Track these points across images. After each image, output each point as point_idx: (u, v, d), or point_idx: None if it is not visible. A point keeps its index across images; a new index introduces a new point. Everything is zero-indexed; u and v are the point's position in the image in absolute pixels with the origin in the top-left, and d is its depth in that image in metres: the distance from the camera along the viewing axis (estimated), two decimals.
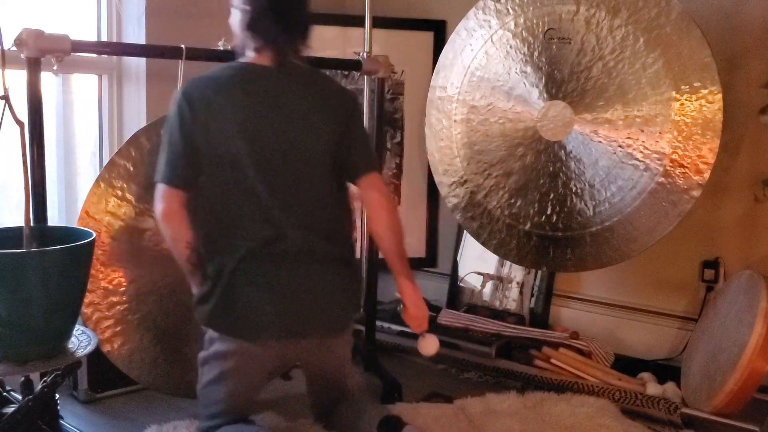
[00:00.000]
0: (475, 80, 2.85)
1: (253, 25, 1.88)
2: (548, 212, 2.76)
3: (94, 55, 2.80)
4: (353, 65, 2.81)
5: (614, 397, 2.59)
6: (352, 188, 2.04)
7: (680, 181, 2.50)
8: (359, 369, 2.82)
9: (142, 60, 2.76)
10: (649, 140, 2.54)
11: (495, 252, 2.97)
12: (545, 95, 2.70)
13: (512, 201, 2.82)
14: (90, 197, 2.24)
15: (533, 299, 3.18)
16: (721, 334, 2.54)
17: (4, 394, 2.17)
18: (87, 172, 2.84)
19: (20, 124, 1.86)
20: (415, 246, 3.54)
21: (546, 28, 2.69)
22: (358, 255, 2.82)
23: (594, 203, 2.66)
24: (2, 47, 1.79)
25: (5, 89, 1.80)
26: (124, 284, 2.30)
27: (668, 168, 2.51)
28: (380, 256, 2.16)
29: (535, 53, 2.72)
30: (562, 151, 2.71)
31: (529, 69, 2.73)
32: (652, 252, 2.73)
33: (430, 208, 3.53)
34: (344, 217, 2.01)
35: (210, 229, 1.88)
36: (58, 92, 2.74)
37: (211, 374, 1.93)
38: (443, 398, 2.66)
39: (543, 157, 2.74)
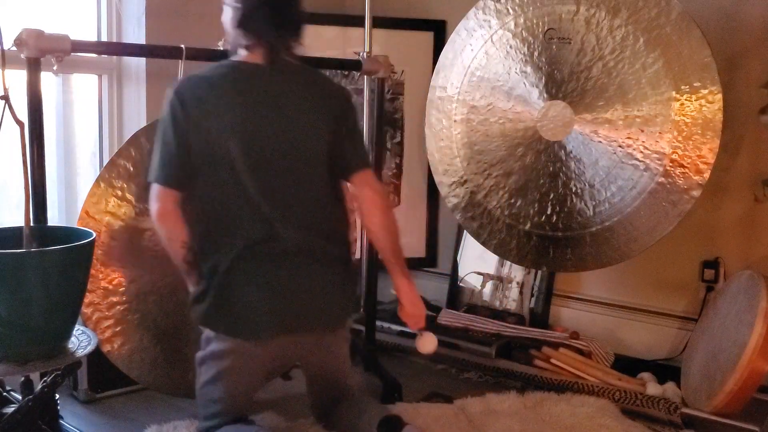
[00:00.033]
0: (475, 80, 2.85)
1: (244, 22, 1.88)
2: (548, 212, 2.76)
3: (94, 55, 2.80)
4: (353, 65, 2.81)
5: (614, 397, 2.59)
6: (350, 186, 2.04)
7: (680, 181, 2.50)
8: (359, 369, 2.82)
9: (142, 60, 2.76)
10: (649, 140, 2.54)
11: (495, 252, 2.97)
12: (545, 95, 2.70)
13: (512, 201, 2.82)
14: (90, 197, 2.24)
15: (533, 299, 3.18)
16: (721, 334, 2.54)
17: (4, 394, 2.17)
18: (87, 172, 2.84)
19: (20, 124, 1.86)
20: (415, 246, 3.54)
21: (546, 28, 2.69)
22: (357, 255, 2.83)
23: (594, 203, 2.66)
24: (2, 47, 1.79)
25: (5, 89, 1.80)
26: (124, 284, 2.30)
27: (668, 168, 2.51)
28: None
29: (535, 53, 2.72)
30: (562, 151, 2.71)
31: (529, 69, 2.73)
32: (652, 252, 2.73)
33: (430, 208, 3.54)
34: (340, 214, 2.00)
35: (204, 228, 1.88)
36: (58, 92, 2.74)
37: (208, 374, 1.93)
38: (443, 398, 2.66)
39: (543, 157, 2.74)
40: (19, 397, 2.10)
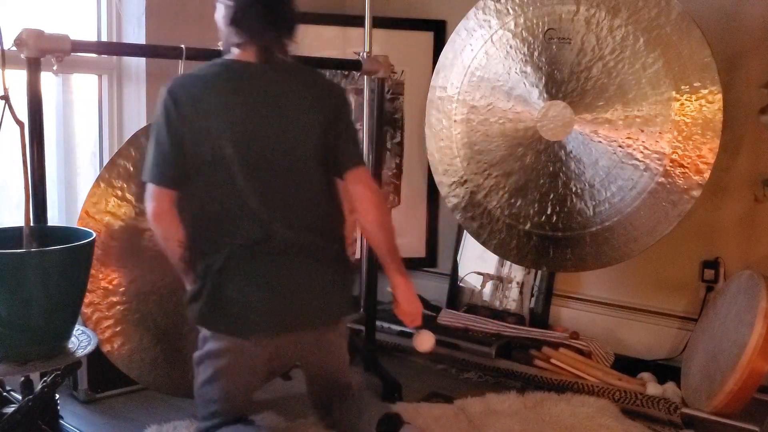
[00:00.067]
0: (475, 80, 2.85)
1: (237, 20, 1.87)
2: (548, 212, 2.76)
3: (94, 55, 2.80)
4: (353, 65, 2.81)
5: (614, 397, 2.59)
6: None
7: (680, 181, 2.50)
8: (359, 369, 2.83)
9: (142, 60, 2.76)
10: (649, 140, 2.54)
11: (495, 252, 2.97)
12: (545, 95, 2.70)
13: (512, 201, 2.82)
14: (90, 197, 2.23)
15: (533, 299, 3.18)
16: (721, 334, 2.54)
17: (4, 394, 2.17)
18: (87, 172, 2.84)
19: (20, 124, 1.86)
20: (415, 246, 3.54)
21: (546, 28, 2.69)
22: (357, 255, 2.83)
23: (594, 203, 2.66)
24: (2, 47, 1.79)
25: (5, 89, 1.80)
26: (124, 284, 2.29)
27: (668, 168, 2.51)
28: None
29: (535, 53, 2.72)
30: (562, 151, 2.71)
31: (529, 69, 2.73)
32: (652, 252, 2.73)
33: (430, 208, 3.54)
34: (335, 211, 2.00)
35: (198, 227, 1.88)
36: (58, 92, 2.74)
37: (206, 374, 1.93)
38: (443, 398, 2.66)
39: (543, 157, 2.74)
40: (19, 397, 2.10)
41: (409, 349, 3.09)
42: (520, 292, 3.21)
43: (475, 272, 3.34)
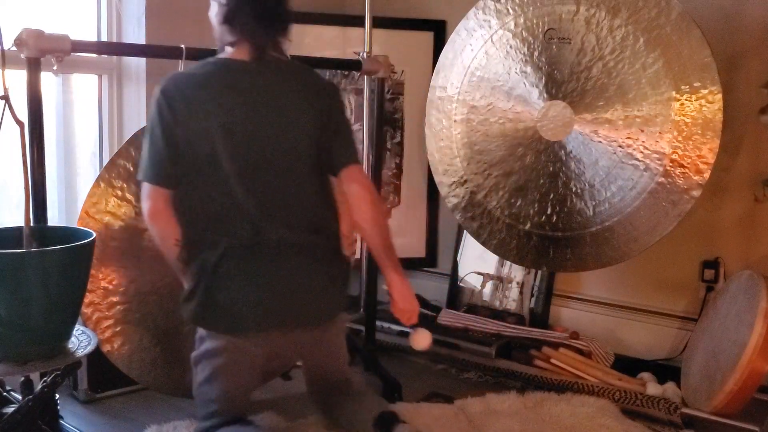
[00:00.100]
0: (475, 80, 2.85)
1: (230, 18, 1.86)
2: (548, 212, 2.76)
3: (94, 55, 2.80)
4: (353, 65, 2.81)
5: (614, 397, 2.59)
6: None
7: (680, 181, 2.50)
8: (359, 369, 2.83)
9: (142, 60, 2.76)
10: (649, 140, 2.54)
11: (495, 252, 2.97)
12: (545, 95, 2.70)
13: (512, 201, 2.82)
14: (90, 197, 2.24)
15: (533, 299, 3.18)
16: (721, 334, 2.54)
17: (4, 394, 2.17)
18: (87, 172, 2.84)
19: (20, 124, 1.86)
20: (415, 246, 3.54)
21: (546, 28, 2.69)
22: (357, 255, 2.83)
23: (594, 203, 2.66)
24: (2, 47, 1.79)
25: (5, 89, 1.80)
26: (124, 284, 2.29)
27: (668, 168, 2.51)
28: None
29: (535, 53, 2.72)
30: (562, 151, 2.71)
31: (529, 69, 2.73)
32: (652, 252, 2.73)
33: (430, 208, 3.54)
34: (328, 208, 1.99)
35: (193, 225, 1.88)
36: (58, 92, 2.74)
37: (204, 373, 1.93)
38: (443, 398, 2.66)
39: (543, 157, 2.74)
40: (19, 397, 2.10)
41: (409, 349, 3.09)
42: (520, 292, 3.21)
43: (475, 272, 3.34)
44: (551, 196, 2.74)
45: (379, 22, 2.95)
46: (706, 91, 2.45)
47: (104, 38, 2.80)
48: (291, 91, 1.92)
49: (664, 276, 2.98)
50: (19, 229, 1.88)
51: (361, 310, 3.00)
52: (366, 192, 1.95)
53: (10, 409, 2.02)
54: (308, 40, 3.31)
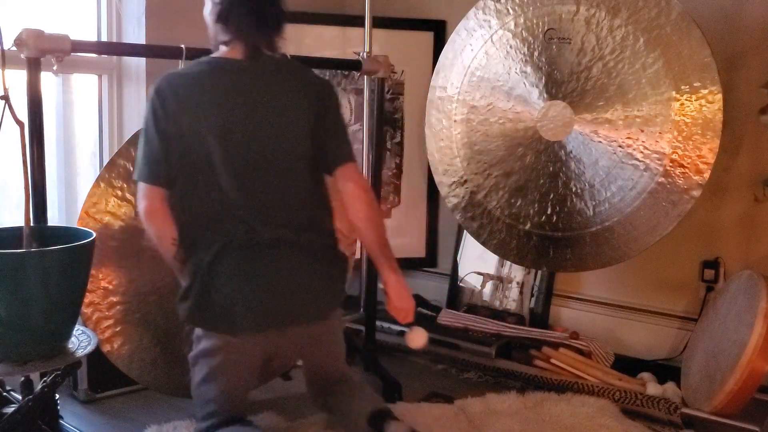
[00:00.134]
0: (475, 80, 2.85)
1: (224, 16, 1.86)
2: (548, 212, 2.76)
3: (94, 55, 2.80)
4: (353, 65, 2.81)
5: (614, 397, 2.59)
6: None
7: (680, 181, 2.50)
8: (359, 369, 2.83)
9: (142, 60, 2.76)
10: (649, 140, 2.54)
11: (495, 252, 2.97)
12: (545, 95, 2.70)
13: (512, 201, 2.82)
14: (90, 197, 2.24)
15: (533, 299, 3.18)
16: (721, 334, 2.54)
17: (4, 394, 2.17)
18: (87, 172, 2.84)
19: (20, 124, 1.86)
20: (415, 246, 3.54)
21: (546, 28, 2.69)
22: (357, 255, 2.83)
23: (594, 203, 2.66)
24: (2, 47, 1.79)
25: (5, 89, 1.80)
26: (124, 284, 2.29)
27: (668, 168, 2.51)
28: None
29: (535, 53, 2.72)
30: (562, 151, 2.71)
31: (529, 69, 2.73)
32: (652, 252, 2.73)
33: (430, 208, 3.54)
34: (322, 206, 1.99)
35: (188, 224, 1.88)
36: (58, 92, 2.74)
37: (201, 373, 1.93)
38: (443, 398, 2.66)
39: (543, 157, 2.74)
40: (19, 397, 2.10)
41: (408, 349, 3.09)
42: (520, 292, 3.21)
43: (475, 272, 3.34)
44: (551, 196, 2.74)
45: (379, 22, 2.95)
46: (706, 91, 2.45)
47: (104, 38, 2.80)
48: (285, 90, 1.92)
49: (664, 276, 2.98)
50: (19, 229, 1.88)
51: (361, 310, 3.00)
52: (361, 191, 1.95)
53: (10, 409, 2.02)
54: (308, 40, 3.31)
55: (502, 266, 3.26)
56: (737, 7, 2.73)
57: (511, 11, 2.76)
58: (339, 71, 3.30)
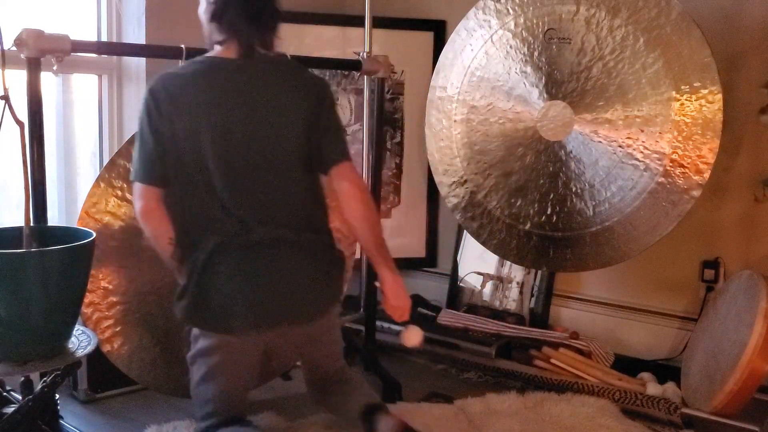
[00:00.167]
0: (475, 80, 2.85)
1: (218, 15, 1.86)
2: (548, 212, 2.76)
3: (94, 55, 2.80)
4: (353, 65, 2.81)
5: (614, 397, 2.59)
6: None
7: (680, 181, 2.50)
8: (359, 369, 2.83)
9: (142, 60, 2.76)
10: (649, 140, 2.54)
11: (495, 252, 2.97)
12: (545, 95, 2.70)
13: (512, 201, 2.82)
14: (90, 197, 2.24)
15: (533, 299, 3.18)
16: (721, 334, 2.54)
17: (4, 394, 2.17)
18: (87, 172, 2.84)
19: (20, 124, 1.86)
20: (415, 246, 3.54)
21: (546, 28, 2.69)
22: (357, 255, 2.83)
23: (594, 203, 2.66)
24: (2, 47, 1.79)
25: (5, 89, 1.80)
26: (124, 284, 2.29)
27: (668, 168, 2.51)
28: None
29: (535, 53, 2.72)
30: (562, 151, 2.71)
31: (529, 69, 2.73)
32: (652, 252, 2.73)
33: (430, 208, 3.54)
34: (318, 204, 1.98)
35: (184, 224, 1.88)
36: (58, 92, 2.74)
37: (199, 373, 1.93)
38: (443, 398, 2.66)
39: (543, 157, 2.74)
40: (19, 397, 2.10)
41: (409, 349, 3.09)
42: (520, 292, 3.21)
43: (475, 272, 3.34)
44: (551, 196, 2.74)
45: (379, 22, 2.95)
46: (706, 91, 2.45)
47: (104, 38, 2.80)
48: (279, 89, 1.91)
49: (664, 276, 2.98)
50: (19, 229, 1.88)
51: (361, 310, 3.00)
52: (356, 189, 1.94)
53: (10, 409, 2.02)
54: (308, 40, 3.31)
55: (502, 266, 3.26)
56: (737, 7, 2.73)
57: (511, 11, 2.76)
58: (339, 71, 3.30)
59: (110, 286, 2.27)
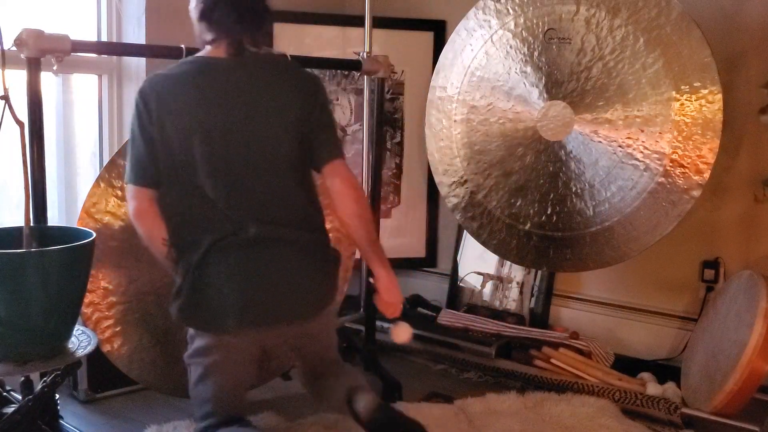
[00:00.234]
0: (475, 80, 2.85)
1: (207, 14, 1.85)
2: (548, 212, 2.76)
3: (94, 55, 2.80)
4: (353, 65, 2.81)
5: (614, 397, 2.59)
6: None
7: (680, 181, 2.50)
8: (359, 369, 2.83)
9: (142, 60, 2.76)
10: (649, 140, 2.54)
11: (495, 252, 2.97)
12: (545, 95, 2.70)
13: (512, 201, 2.82)
14: (90, 197, 2.24)
15: (533, 299, 3.18)
16: (721, 334, 2.54)
17: (4, 394, 2.17)
18: (87, 172, 2.84)
19: (20, 124, 1.86)
20: (415, 246, 3.54)
21: (546, 28, 2.69)
22: (357, 255, 2.83)
23: (594, 203, 2.66)
24: (2, 47, 1.79)
25: (5, 89, 1.80)
26: (124, 284, 2.29)
27: (668, 168, 2.51)
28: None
29: (535, 53, 2.72)
30: (562, 151, 2.71)
31: (529, 69, 2.73)
32: (652, 252, 2.73)
33: (430, 208, 3.53)
34: (311, 202, 1.98)
35: (178, 224, 1.88)
36: (58, 92, 2.74)
37: (197, 373, 1.93)
38: (443, 398, 2.66)
39: (543, 157, 2.74)
40: (19, 397, 2.10)
41: (409, 349, 3.09)
42: (520, 292, 3.21)
43: (475, 272, 3.34)
44: (551, 196, 2.74)
45: (379, 22, 2.95)
46: (706, 91, 2.45)
47: (104, 38, 2.80)
48: (271, 87, 1.90)
49: (664, 276, 2.98)
50: (19, 229, 1.88)
51: (361, 310, 2.99)
52: (349, 187, 1.93)
53: (10, 409, 2.02)
54: (308, 40, 3.31)
55: (502, 266, 3.26)
56: (737, 7, 2.73)
57: (511, 11, 2.76)
58: (339, 71, 3.30)
59: (110, 286, 2.27)
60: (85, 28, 2.78)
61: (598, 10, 2.59)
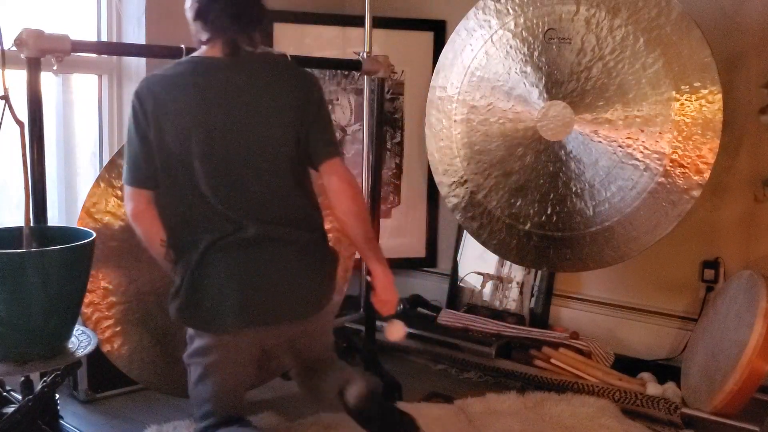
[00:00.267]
0: (475, 80, 2.85)
1: (202, 14, 1.84)
2: (548, 212, 2.76)
3: (94, 55, 2.80)
4: (353, 65, 2.81)
5: (614, 397, 2.59)
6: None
7: (680, 181, 2.50)
8: (359, 369, 2.83)
9: (142, 60, 2.76)
10: (649, 140, 2.54)
11: (495, 252, 2.97)
12: (545, 95, 2.70)
13: (512, 201, 2.82)
14: (90, 197, 2.24)
15: (533, 299, 3.18)
16: (721, 334, 2.54)
17: (4, 394, 2.17)
18: (87, 172, 2.84)
19: (20, 124, 1.86)
20: (415, 246, 3.54)
21: (546, 28, 2.69)
22: (357, 255, 2.83)
23: (594, 203, 2.66)
24: (2, 47, 1.79)
25: (5, 89, 1.80)
26: (124, 284, 2.29)
27: (668, 168, 2.51)
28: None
29: (535, 53, 2.72)
30: (562, 151, 2.71)
31: (529, 69, 2.73)
32: (652, 252, 2.73)
33: (430, 208, 3.53)
34: (309, 202, 1.97)
35: (175, 224, 1.88)
36: (58, 92, 2.74)
37: (196, 373, 1.93)
38: (443, 398, 2.66)
39: (543, 157, 2.74)
40: (19, 397, 2.10)
41: (409, 349, 3.09)
42: (520, 292, 3.21)
43: (475, 272, 3.34)
44: (551, 196, 2.74)
45: (379, 22, 2.95)
46: (706, 91, 2.45)
47: (104, 38, 2.80)
48: (266, 86, 1.89)
49: (664, 276, 2.98)
50: (19, 229, 1.88)
51: (361, 310, 2.99)
52: (346, 185, 1.92)
53: (10, 409, 2.03)
54: (308, 40, 3.31)
55: (502, 266, 3.26)
56: (737, 7, 2.73)
57: (511, 11, 2.76)
58: (339, 71, 3.30)
59: (110, 286, 2.27)
60: (85, 28, 2.78)
61: (598, 10, 2.59)
